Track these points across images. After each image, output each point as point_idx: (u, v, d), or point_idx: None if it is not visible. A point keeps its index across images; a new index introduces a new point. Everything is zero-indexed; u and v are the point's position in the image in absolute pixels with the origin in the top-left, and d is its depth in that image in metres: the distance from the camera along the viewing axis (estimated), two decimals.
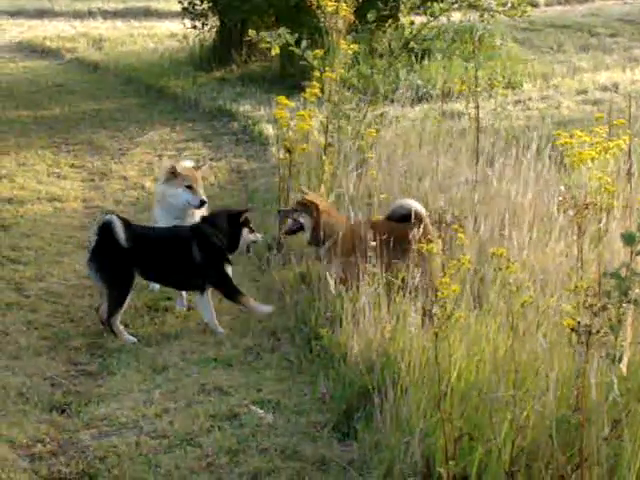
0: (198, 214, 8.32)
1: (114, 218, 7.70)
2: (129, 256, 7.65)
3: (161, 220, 8.36)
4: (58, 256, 9.56)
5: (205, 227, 7.97)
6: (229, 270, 7.95)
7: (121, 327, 7.67)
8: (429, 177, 9.32)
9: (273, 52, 9.91)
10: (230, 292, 7.89)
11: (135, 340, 7.62)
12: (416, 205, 7.68)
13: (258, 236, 8.14)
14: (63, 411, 6.56)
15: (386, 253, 7.14)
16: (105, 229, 7.62)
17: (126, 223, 7.74)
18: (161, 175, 8.57)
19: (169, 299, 8.39)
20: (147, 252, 7.80)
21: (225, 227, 7.95)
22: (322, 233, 7.75)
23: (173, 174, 8.29)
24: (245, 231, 8.00)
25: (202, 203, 8.31)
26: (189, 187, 8.28)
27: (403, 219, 7.49)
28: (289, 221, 8.05)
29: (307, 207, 7.85)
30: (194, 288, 7.95)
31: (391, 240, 7.23)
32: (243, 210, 8.14)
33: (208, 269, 7.84)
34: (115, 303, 7.67)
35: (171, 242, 7.95)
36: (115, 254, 7.61)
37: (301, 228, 7.92)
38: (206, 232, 7.91)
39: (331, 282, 6.96)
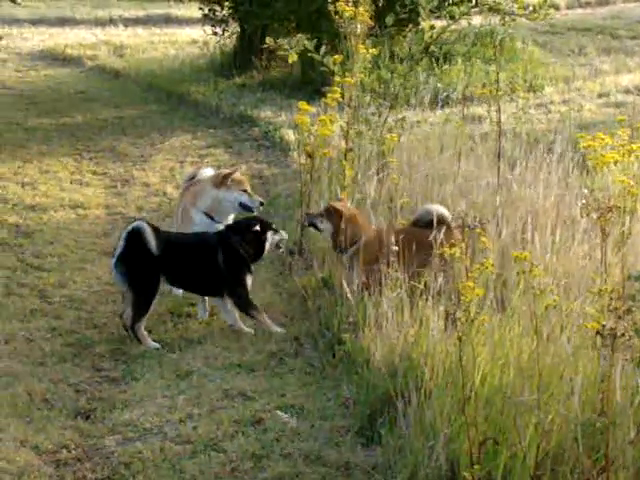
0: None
1: (144, 224, 7.74)
2: (157, 263, 7.69)
3: (201, 224, 8.39)
4: (81, 263, 9.59)
5: (231, 235, 7.99)
6: (249, 280, 7.96)
7: (145, 333, 7.69)
8: (450, 181, 9.30)
9: (290, 60, 9.93)
10: (242, 304, 7.88)
11: (158, 346, 7.64)
12: (442, 210, 7.67)
13: (283, 233, 8.18)
14: (88, 417, 6.58)
15: (412, 261, 7.15)
16: (134, 235, 7.65)
17: (155, 230, 7.77)
18: (210, 180, 8.62)
19: (192, 305, 8.41)
20: (175, 259, 7.82)
21: (250, 236, 7.98)
22: (344, 240, 7.77)
23: (226, 179, 8.42)
24: (269, 234, 8.03)
25: (261, 204, 8.55)
26: (244, 191, 8.46)
27: (430, 225, 7.48)
28: (312, 220, 8.10)
29: (330, 214, 7.90)
30: (217, 294, 7.97)
31: (417, 247, 7.23)
32: (261, 219, 8.17)
33: (228, 276, 7.86)
34: (140, 309, 7.69)
35: (198, 249, 7.98)
36: (143, 260, 7.65)
37: (318, 229, 8.03)
38: (232, 240, 7.94)
39: (347, 289, 6.94)
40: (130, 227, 7.77)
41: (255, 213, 8.50)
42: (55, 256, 9.72)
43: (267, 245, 8.03)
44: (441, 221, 7.47)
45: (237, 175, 8.56)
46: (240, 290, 7.89)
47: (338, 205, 8.01)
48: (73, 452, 6.09)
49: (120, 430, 6.35)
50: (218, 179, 8.49)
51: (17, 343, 7.70)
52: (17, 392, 6.80)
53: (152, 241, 7.64)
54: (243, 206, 8.46)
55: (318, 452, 5.93)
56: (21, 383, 6.94)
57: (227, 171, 8.64)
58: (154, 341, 7.69)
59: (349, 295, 6.94)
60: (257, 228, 7.96)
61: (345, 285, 6.98)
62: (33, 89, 19.58)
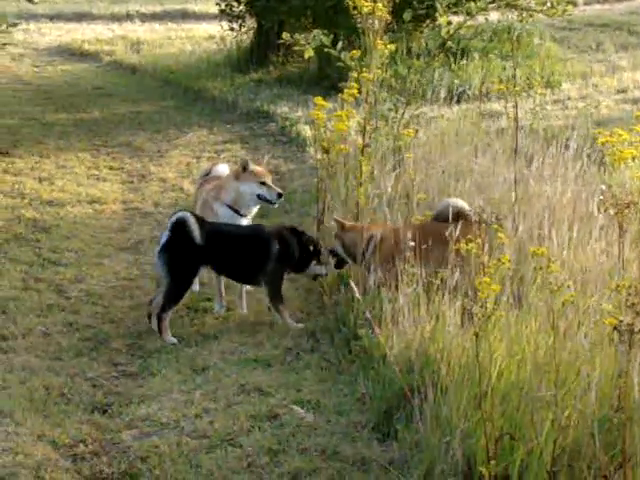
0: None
1: (188, 215, 7.82)
2: (199, 253, 7.77)
3: (225, 218, 8.40)
4: (98, 258, 9.62)
5: (287, 234, 8.10)
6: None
7: (168, 325, 7.75)
8: (467, 177, 9.28)
9: (306, 55, 9.91)
10: (274, 294, 7.94)
11: (175, 341, 7.66)
12: (462, 204, 7.66)
13: (323, 268, 8.19)
14: (105, 412, 6.61)
15: (429, 257, 7.14)
16: (179, 225, 7.72)
17: (200, 220, 7.86)
18: (231, 172, 8.70)
19: (209, 300, 8.43)
20: (222, 249, 7.93)
21: (299, 250, 8.09)
22: (355, 249, 7.79)
23: (245, 169, 8.41)
24: (313, 263, 8.12)
25: (279, 196, 8.49)
26: (263, 183, 8.44)
27: (449, 219, 7.45)
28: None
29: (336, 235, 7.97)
30: (258, 284, 8.10)
31: (434, 242, 7.22)
32: (318, 245, 8.23)
33: (272, 269, 7.94)
34: (172, 298, 7.78)
35: (251, 240, 8.09)
36: (186, 251, 7.73)
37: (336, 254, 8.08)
38: (288, 238, 8.07)
39: (354, 287, 6.91)
40: (175, 217, 7.83)
41: (276, 205, 8.56)
42: (72, 251, 9.76)
43: (307, 269, 8.14)
44: (461, 215, 7.45)
45: (255, 167, 8.55)
46: (277, 282, 7.96)
47: (337, 219, 8.12)
48: (90, 446, 6.11)
49: (137, 425, 6.37)
50: (236, 171, 8.49)
51: (34, 338, 7.74)
52: (34, 386, 6.83)
53: (196, 231, 7.71)
54: (261, 198, 8.44)
55: (334, 447, 5.94)
56: (38, 377, 6.97)
57: (243, 162, 8.61)
58: (172, 336, 7.71)
59: (357, 295, 6.91)
60: (310, 248, 8.08)
61: (352, 284, 6.95)
62: (50, 84, 19.65)
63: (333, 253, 8.10)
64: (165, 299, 7.76)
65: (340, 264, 8.10)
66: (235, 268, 8.08)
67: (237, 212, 8.38)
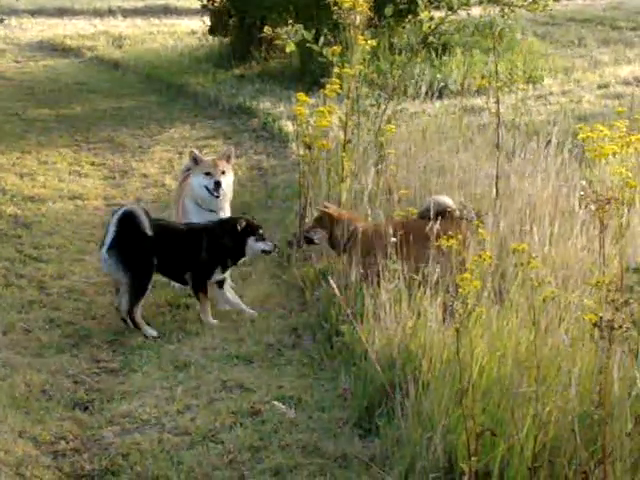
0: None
1: (136, 208, 7.78)
2: (151, 245, 7.71)
3: (195, 214, 8.35)
4: (80, 254, 9.60)
5: (217, 229, 7.98)
6: (217, 275, 7.97)
7: (142, 320, 7.74)
8: (449, 173, 9.30)
9: (288, 49, 9.90)
10: (197, 288, 7.94)
11: (156, 333, 7.65)
12: (448, 201, 7.66)
13: (269, 244, 8.08)
14: (86, 408, 6.59)
15: (411, 253, 7.14)
16: (127, 219, 7.65)
17: (146, 212, 7.82)
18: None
19: (189, 296, 8.40)
20: (164, 244, 7.81)
21: (230, 236, 7.94)
22: (340, 238, 7.78)
23: (195, 161, 8.32)
24: (251, 240, 7.97)
25: (216, 184, 8.26)
26: (207, 174, 8.31)
27: (436, 216, 7.42)
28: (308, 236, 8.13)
29: (321, 219, 7.95)
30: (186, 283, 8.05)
31: (415, 239, 7.22)
32: (248, 219, 8.10)
33: (200, 262, 7.89)
34: (137, 293, 7.72)
35: (185, 236, 7.97)
36: (138, 243, 7.66)
37: (312, 242, 8.07)
38: (217, 233, 7.95)
39: (333, 283, 6.89)
40: (121, 211, 7.75)
41: (217, 196, 8.32)
42: (54, 247, 9.73)
43: (247, 249, 7.99)
44: (447, 212, 7.44)
45: (202, 157, 8.41)
46: (203, 274, 7.90)
47: (327, 209, 8.04)
48: (71, 443, 6.10)
49: (118, 421, 6.36)
50: (191, 164, 8.40)
51: (15, 334, 7.71)
52: (15, 383, 6.80)
53: (146, 223, 7.66)
54: (208, 189, 8.30)
55: (316, 443, 5.94)
56: (19, 374, 6.94)
57: (192, 150, 8.51)
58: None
59: (336, 292, 6.89)
60: (238, 228, 7.91)
61: (331, 281, 6.93)
62: (32, 80, 19.58)
63: (308, 240, 8.08)
64: (130, 297, 7.70)
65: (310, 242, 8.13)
66: (170, 264, 7.99)
67: (201, 207, 8.33)
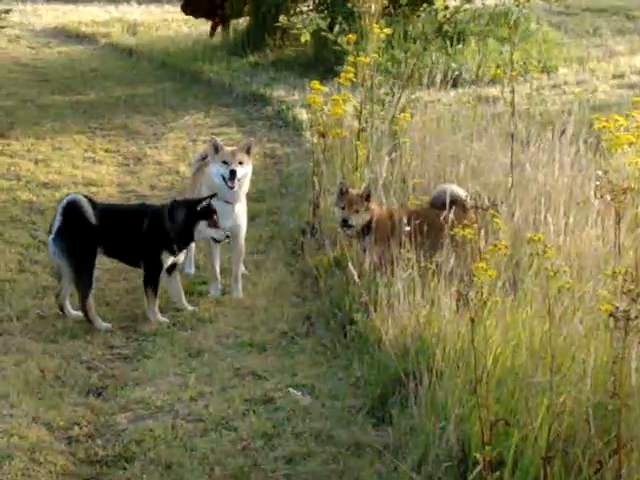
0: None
1: (80, 197, 7.69)
2: (95, 234, 7.62)
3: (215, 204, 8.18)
4: None
5: (163, 211, 7.81)
6: (168, 259, 7.78)
7: (95, 313, 7.66)
8: (463, 162, 9.27)
9: (303, 39, 9.89)
10: (147, 280, 7.77)
11: (109, 326, 7.60)
12: (458, 190, 7.64)
13: (220, 232, 7.81)
14: (99, 394, 6.61)
15: (424, 241, 7.13)
16: (71, 208, 7.57)
17: (91, 201, 7.72)
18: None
19: (204, 283, 8.42)
20: (110, 229, 7.71)
21: (181, 217, 7.75)
22: (355, 219, 7.72)
23: (215, 149, 8.12)
24: (202, 224, 7.75)
25: (232, 173, 7.97)
26: (225, 162, 8.03)
27: (445, 206, 7.37)
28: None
29: (341, 194, 7.83)
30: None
31: (429, 228, 7.21)
32: (201, 199, 7.83)
33: (147, 248, 7.79)
34: (84, 284, 7.62)
35: (128, 218, 7.90)
36: (83, 233, 7.58)
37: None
38: (160, 215, 7.78)
39: (353, 271, 6.83)
40: (65, 200, 7.66)
41: (232, 187, 7.99)
42: None
43: (196, 233, 7.77)
44: (457, 201, 7.40)
45: (220, 144, 8.20)
46: (152, 264, 7.77)
47: (348, 187, 7.93)
48: (85, 429, 6.11)
49: (132, 408, 6.37)
50: (210, 153, 8.21)
51: (29, 320, 7.73)
52: (29, 369, 6.83)
53: (89, 211, 7.56)
54: (223, 178, 8.03)
55: (329, 431, 5.94)
56: (33, 360, 6.96)
57: (213, 137, 8.36)
58: (165, 320, 7.71)
59: (356, 278, 6.88)
60: (184, 213, 7.72)
61: (351, 267, 6.90)
62: (46, 66, 19.60)
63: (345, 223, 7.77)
64: (78, 289, 7.64)
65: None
66: (120, 249, 7.91)
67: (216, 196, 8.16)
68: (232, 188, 8.01)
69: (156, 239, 7.73)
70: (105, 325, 7.63)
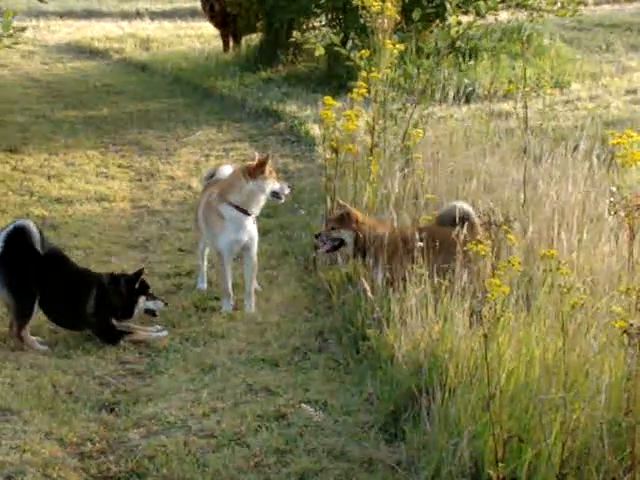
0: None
1: (28, 222, 7.56)
2: (41, 264, 7.46)
3: (232, 219, 8.16)
4: (106, 256, 9.61)
5: (111, 282, 7.73)
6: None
7: (32, 337, 7.55)
8: (476, 177, 9.27)
9: (317, 53, 9.90)
10: (104, 337, 7.62)
11: (46, 348, 7.48)
12: (467, 207, 7.63)
13: (159, 304, 7.85)
14: (112, 410, 6.60)
15: (436, 259, 7.13)
16: (19, 234, 7.42)
17: (40, 231, 7.58)
18: (239, 171, 8.35)
19: (217, 299, 8.42)
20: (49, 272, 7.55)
21: (122, 292, 7.69)
22: (365, 243, 7.76)
23: (261, 168, 8.20)
24: (142, 299, 7.74)
25: (289, 188, 8.46)
26: (277, 179, 8.36)
27: (454, 222, 7.37)
28: (326, 240, 8.04)
29: (344, 219, 7.88)
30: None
31: (440, 244, 7.21)
32: (138, 273, 7.79)
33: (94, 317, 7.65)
34: (24, 315, 7.47)
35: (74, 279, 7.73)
36: (28, 261, 7.43)
37: (342, 243, 7.96)
38: (109, 287, 7.69)
39: (366, 286, 6.87)
40: (13, 226, 7.50)
41: (282, 200, 8.39)
42: (80, 249, 9.74)
43: (136, 309, 7.72)
44: (465, 218, 7.40)
45: (270, 164, 8.36)
46: (106, 331, 7.65)
47: (351, 210, 8.01)
48: (97, 445, 6.11)
49: (144, 423, 6.37)
50: (253, 170, 8.33)
51: (42, 335, 7.73)
52: (42, 384, 6.83)
53: (37, 236, 7.42)
54: (274, 194, 8.30)
55: (342, 448, 5.93)
56: (46, 375, 6.98)
57: (257, 162, 8.46)
58: (177, 336, 7.70)
59: (369, 294, 6.89)
60: (126, 287, 7.65)
61: (364, 283, 6.92)
62: (59, 82, 19.65)
63: (337, 241, 7.97)
64: (17, 319, 7.50)
65: (334, 249, 8.04)
66: (53, 306, 7.68)
67: (245, 212, 8.24)
68: (282, 200, 8.44)
69: (105, 309, 7.64)
70: (43, 347, 7.50)
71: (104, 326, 7.62)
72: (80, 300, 7.60)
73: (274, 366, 7.19)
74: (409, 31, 14.48)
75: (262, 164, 8.22)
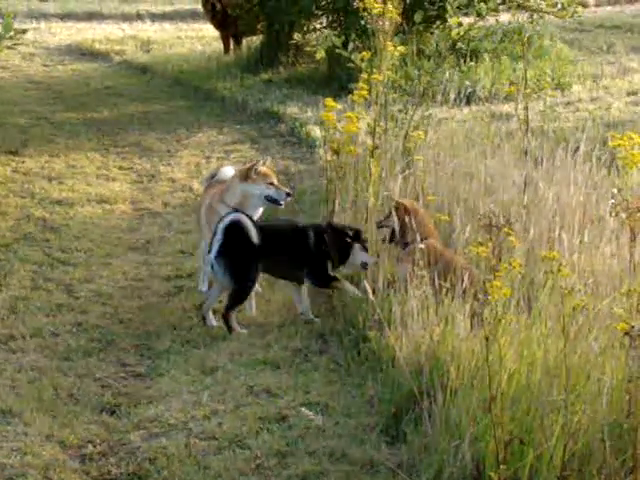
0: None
1: (243, 216, 7.80)
2: (257, 253, 7.76)
3: None
4: (107, 258, 9.62)
5: (328, 231, 8.11)
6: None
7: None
8: (476, 179, 9.27)
9: (318, 56, 9.90)
10: (323, 281, 8.09)
11: (246, 332, 7.73)
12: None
13: (371, 259, 8.05)
14: (113, 412, 6.60)
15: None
16: (234, 227, 7.70)
17: (253, 220, 7.91)
18: (237, 173, 8.53)
19: (218, 302, 8.41)
20: (272, 247, 7.89)
21: (338, 239, 8.04)
22: (407, 233, 7.74)
23: (250, 172, 8.33)
24: (357, 247, 8.03)
25: (288, 195, 8.45)
26: (271, 183, 8.37)
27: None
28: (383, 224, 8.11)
29: (396, 208, 7.90)
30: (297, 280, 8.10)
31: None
32: (359, 232, 8.14)
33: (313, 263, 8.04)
34: (239, 299, 7.82)
35: (294, 236, 8.12)
36: (245, 251, 7.73)
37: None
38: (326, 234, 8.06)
39: (368, 289, 6.85)
40: (228, 220, 7.76)
41: (283, 205, 8.45)
42: (81, 251, 9.75)
43: (351, 256, 8.02)
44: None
45: (262, 168, 8.43)
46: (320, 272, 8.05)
47: (406, 201, 8.06)
48: (98, 447, 6.11)
49: (145, 425, 6.36)
50: (244, 173, 8.43)
51: (43, 337, 7.73)
52: (43, 386, 6.83)
53: (253, 231, 7.73)
54: (269, 199, 8.37)
55: (343, 450, 5.93)
56: (47, 378, 6.98)
57: (252, 164, 8.55)
58: (178, 338, 7.70)
59: (370, 296, 6.87)
60: (349, 234, 8.02)
61: (365, 285, 6.91)
62: (60, 84, 19.63)
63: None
64: (231, 301, 7.79)
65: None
66: (280, 265, 8.12)
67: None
68: (281, 205, 8.50)
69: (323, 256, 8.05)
70: (243, 331, 7.75)
71: (321, 270, 7.97)
72: (300, 252, 8.02)
73: (275, 368, 7.18)
74: (410, 33, 14.48)
75: (251, 168, 8.35)
